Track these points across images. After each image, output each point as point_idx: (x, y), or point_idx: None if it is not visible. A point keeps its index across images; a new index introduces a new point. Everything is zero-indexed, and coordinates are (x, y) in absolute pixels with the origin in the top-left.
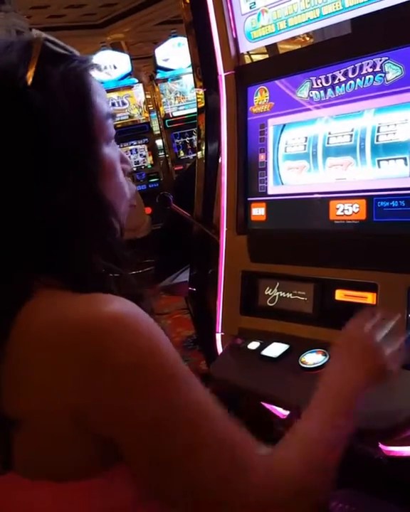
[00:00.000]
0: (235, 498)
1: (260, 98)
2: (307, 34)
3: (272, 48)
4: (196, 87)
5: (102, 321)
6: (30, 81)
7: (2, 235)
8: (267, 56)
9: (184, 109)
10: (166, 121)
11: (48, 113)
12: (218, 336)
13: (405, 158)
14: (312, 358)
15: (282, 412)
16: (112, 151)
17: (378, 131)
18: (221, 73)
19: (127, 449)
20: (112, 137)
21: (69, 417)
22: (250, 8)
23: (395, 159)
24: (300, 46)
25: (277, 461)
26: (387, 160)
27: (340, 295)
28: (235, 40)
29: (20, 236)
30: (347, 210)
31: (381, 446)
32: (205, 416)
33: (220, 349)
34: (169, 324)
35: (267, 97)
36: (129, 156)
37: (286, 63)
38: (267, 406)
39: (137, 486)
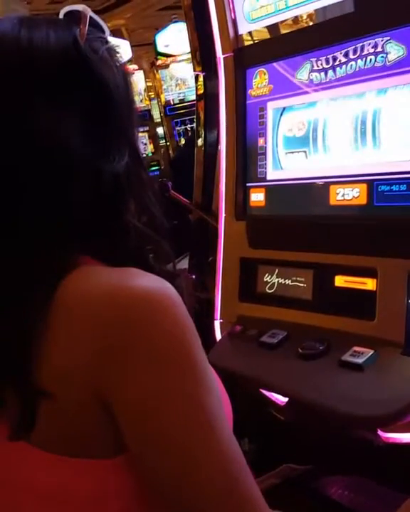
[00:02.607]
0: None
1: (259, 81)
2: (309, 15)
3: (273, 30)
4: (195, 70)
5: (128, 295)
6: (85, 48)
7: (60, 206)
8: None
9: (185, 96)
10: (167, 108)
11: (106, 80)
12: (217, 323)
13: (406, 142)
14: (311, 345)
15: (280, 399)
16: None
17: (379, 114)
18: (220, 55)
19: (129, 436)
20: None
21: (91, 393)
22: None
23: (396, 143)
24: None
25: None
26: (388, 143)
27: (340, 281)
28: (234, 22)
29: (76, 206)
30: (348, 194)
31: (380, 432)
32: (216, 431)
33: (218, 336)
34: None
35: (267, 80)
36: None
37: (286, 44)
38: (266, 393)
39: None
